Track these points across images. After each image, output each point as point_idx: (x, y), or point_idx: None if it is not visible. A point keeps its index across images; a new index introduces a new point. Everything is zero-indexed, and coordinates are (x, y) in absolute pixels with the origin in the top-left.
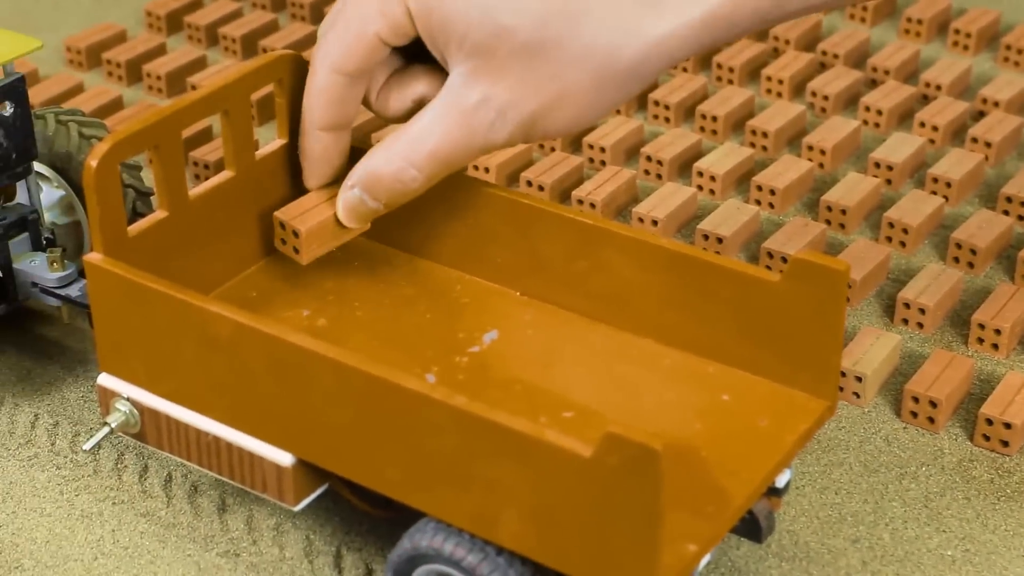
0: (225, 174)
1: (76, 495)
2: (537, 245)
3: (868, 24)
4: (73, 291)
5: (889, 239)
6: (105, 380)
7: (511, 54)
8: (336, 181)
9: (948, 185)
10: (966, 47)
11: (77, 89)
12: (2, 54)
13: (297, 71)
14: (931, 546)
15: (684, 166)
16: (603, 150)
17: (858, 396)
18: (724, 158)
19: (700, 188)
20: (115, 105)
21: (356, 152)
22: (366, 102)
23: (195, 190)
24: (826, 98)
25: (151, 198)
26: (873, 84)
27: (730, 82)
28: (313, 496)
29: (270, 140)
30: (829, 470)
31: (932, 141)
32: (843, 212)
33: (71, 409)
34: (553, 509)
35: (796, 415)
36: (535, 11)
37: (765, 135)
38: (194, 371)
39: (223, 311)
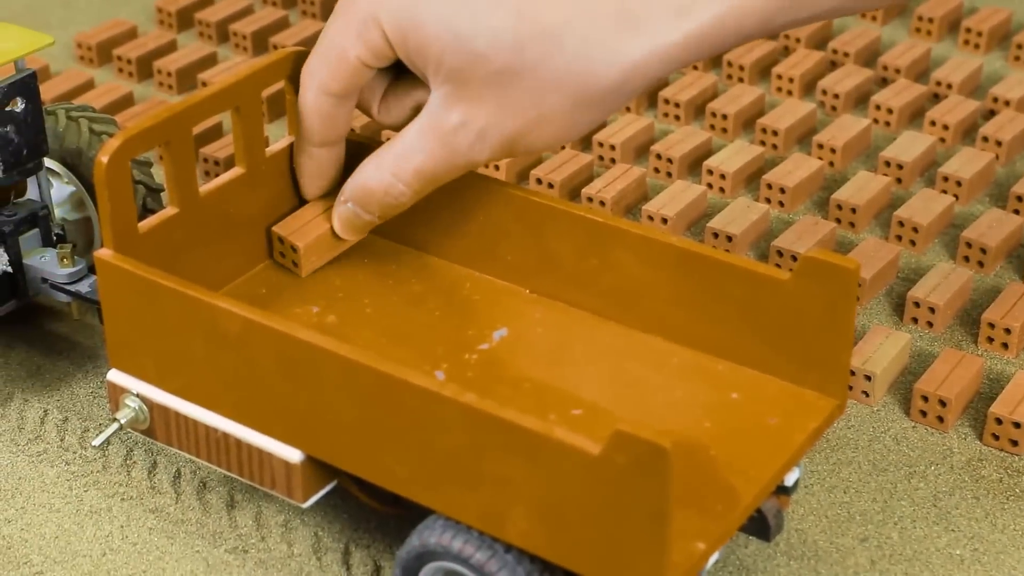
0: (235, 171)
1: (85, 491)
2: (547, 243)
3: (879, 23)
4: (83, 287)
5: (899, 238)
6: (114, 376)
7: (487, 80)
8: (332, 192)
9: (958, 184)
10: (977, 46)
11: (88, 85)
12: (13, 50)
13: None
14: (940, 545)
15: (694, 164)
16: (613, 148)
17: (867, 395)
18: (734, 156)
19: (710, 186)
20: (126, 101)
21: (362, 148)
22: (369, 115)
23: (205, 187)
24: (836, 96)
25: (161, 194)
26: (884, 83)
27: (740, 80)
28: (322, 493)
29: (280, 137)
30: (838, 469)
31: (942, 140)
32: (853, 211)
33: (80, 405)
34: (562, 507)
35: (805, 414)
36: (510, 37)
37: (775, 133)
38: (203, 367)
39: (233, 308)
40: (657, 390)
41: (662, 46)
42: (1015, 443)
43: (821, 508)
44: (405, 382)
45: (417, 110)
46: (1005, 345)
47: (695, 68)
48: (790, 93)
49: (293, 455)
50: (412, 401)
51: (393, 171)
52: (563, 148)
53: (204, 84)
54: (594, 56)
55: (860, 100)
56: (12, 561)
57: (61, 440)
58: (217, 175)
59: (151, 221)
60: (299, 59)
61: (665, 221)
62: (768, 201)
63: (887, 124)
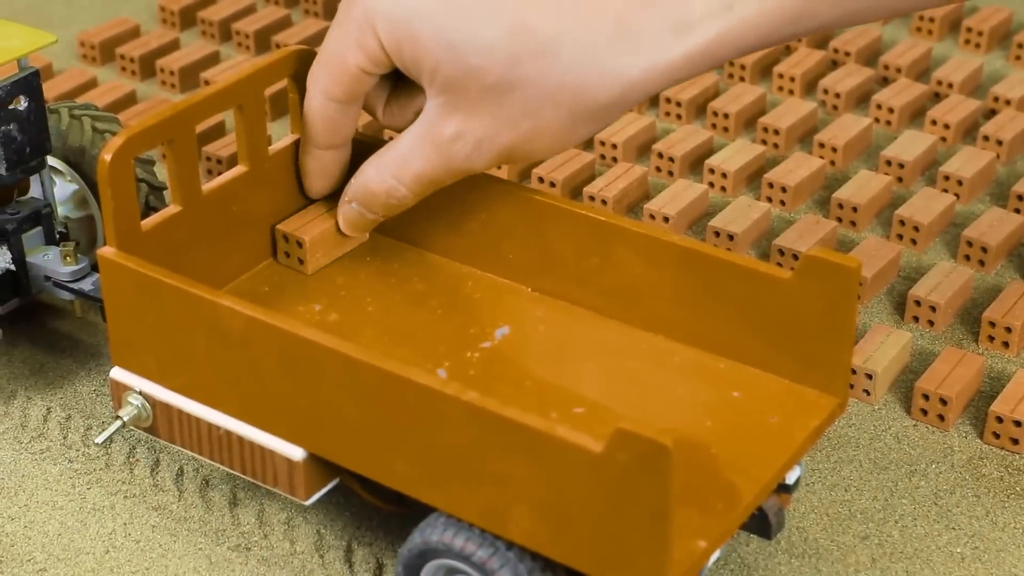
0: (238, 169)
1: (88, 488)
2: (549, 241)
3: (880, 22)
4: (86, 285)
5: (900, 237)
6: (117, 374)
7: (482, 92)
8: (337, 192)
9: (959, 183)
10: (978, 45)
11: (91, 84)
12: (16, 49)
13: (310, 67)
14: (940, 543)
15: (695, 163)
16: (615, 147)
17: (868, 393)
18: (735, 155)
19: (711, 185)
20: (128, 100)
21: (364, 147)
22: (375, 117)
23: (208, 185)
24: (838, 96)
25: (164, 193)
26: (885, 82)
27: (742, 79)
28: (324, 491)
29: (283, 135)
30: (839, 467)
31: (943, 139)
32: (854, 210)
33: (83, 403)
34: (564, 505)
35: (806, 412)
36: (505, 51)
37: (776, 132)
38: (206, 365)
39: (235, 306)
40: (659, 388)
41: (660, 64)
42: (1016, 441)
43: (822, 506)
44: (407, 380)
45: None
46: (1006, 344)
47: None
48: (791, 92)
49: (295, 453)
50: (414, 399)
51: (394, 174)
52: None
53: (207, 83)
54: (590, 72)
55: (861, 99)
56: (15, 558)
57: (64, 438)
58: (220, 173)
59: (154, 219)
60: (302, 57)
61: (667, 220)
62: (769, 200)
63: (888, 123)
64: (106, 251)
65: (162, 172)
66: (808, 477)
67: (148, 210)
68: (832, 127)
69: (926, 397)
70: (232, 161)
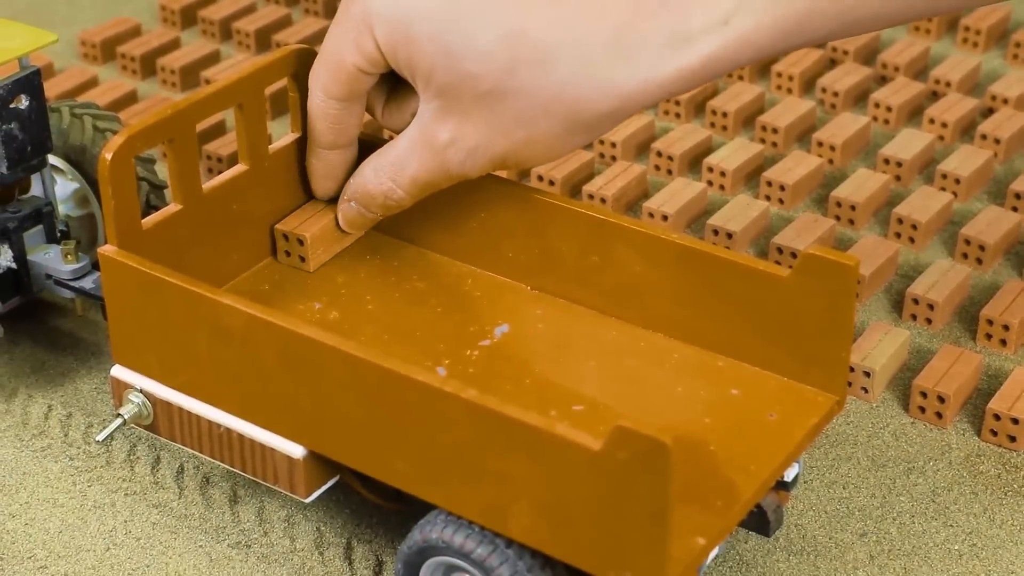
0: (239, 168)
1: (89, 486)
2: (548, 240)
3: None
4: (87, 283)
5: (898, 235)
6: (118, 372)
7: (476, 99)
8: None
9: (957, 181)
10: (976, 44)
11: (92, 83)
12: (18, 48)
13: (310, 66)
14: (938, 540)
15: (694, 161)
16: (614, 145)
17: (866, 391)
18: (734, 154)
19: (710, 183)
20: (129, 99)
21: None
22: (375, 117)
23: (209, 183)
24: (836, 94)
25: (165, 191)
26: (883, 81)
27: (740, 78)
28: (324, 488)
29: (283, 134)
30: (837, 465)
31: (941, 138)
32: (852, 208)
33: (84, 400)
34: (563, 502)
35: (805, 410)
36: (501, 59)
37: (775, 131)
38: (206, 363)
39: (236, 304)
40: (658, 386)
41: (656, 78)
42: (1013, 439)
43: (820, 504)
44: (407, 378)
45: None
46: (1003, 341)
47: None
48: (790, 91)
49: (296, 451)
50: (414, 397)
51: (391, 176)
52: None
53: (207, 82)
54: (585, 83)
55: (859, 98)
56: (16, 556)
57: (65, 435)
58: (220, 172)
59: (155, 218)
60: (302, 56)
61: (665, 218)
62: (768, 198)
63: (886, 122)
64: (107, 249)
65: (163, 171)
66: (806, 474)
67: (149, 209)
68: (830, 126)
69: (924, 395)
70: (232, 160)
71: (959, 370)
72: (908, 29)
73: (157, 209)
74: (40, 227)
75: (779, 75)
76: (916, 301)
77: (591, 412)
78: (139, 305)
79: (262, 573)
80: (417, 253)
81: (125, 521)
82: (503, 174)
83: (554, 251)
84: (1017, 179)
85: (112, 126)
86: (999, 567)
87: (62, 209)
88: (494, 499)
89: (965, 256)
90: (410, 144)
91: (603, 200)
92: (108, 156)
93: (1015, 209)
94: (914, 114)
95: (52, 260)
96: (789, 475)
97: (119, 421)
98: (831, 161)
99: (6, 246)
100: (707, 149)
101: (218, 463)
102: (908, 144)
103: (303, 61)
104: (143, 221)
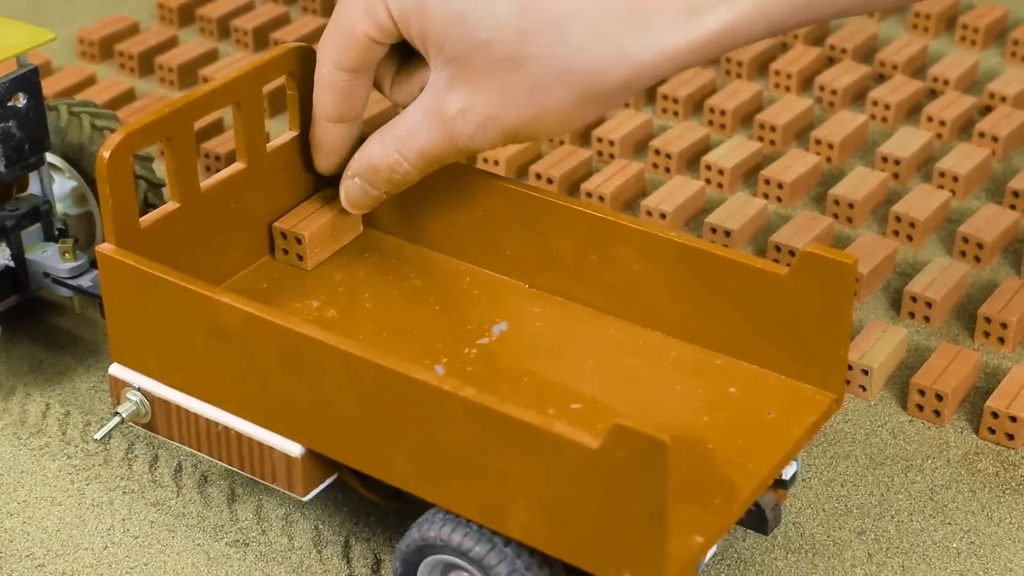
0: (236, 166)
1: (87, 484)
2: (546, 238)
3: (876, 19)
4: (85, 281)
5: (896, 233)
6: (116, 370)
7: (489, 67)
8: (330, 186)
9: (955, 179)
10: (974, 42)
11: (89, 81)
12: (16, 46)
13: (308, 63)
14: (936, 538)
15: (692, 160)
16: (612, 143)
17: (864, 389)
18: (732, 152)
19: (708, 182)
20: (127, 97)
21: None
22: (382, 92)
23: (206, 182)
24: (834, 92)
25: (163, 189)
26: (881, 79)
27: (738, 76)
28: (322, 486)
29: (281, 132)
30: (835, 463)
31: (939, 136)
32: (850, 206)
33: (82, 399)
34: (561, 501)
35: (803, 408)
36: (514, 27)
37: (773, 129)
38: (204, 361)
39: (233, 302)
40: (656, 384)
41: (670, 48)
42: (1011, 437)
43: (818, 501)
44: (405, 376)
45: None
46: (1001, 340)
47: None
48: (788, 89)
49: (294, 449)
50: (412, 395)
51: (398, 148)
52: (562, 143)
53: (205, 80)
54: (599, 53)
55: (857, 96)
56: (14, 554)
57: (63, 434)
58: (218, 170)
59: (152, 216)
60: (300, 54)
61: (664, 216)
62: (766, 196)
63: (884, 120)
64: (105, 248)
65: (160, 169)
66: (804, 473)
67: (147, 207)
68: (828, 124)
69: (922, 393)
70: (230, 158)
71: (957, 368)
72: (906, 27)
73: (155, 207)
74: (38, 225)
75: (777, 73)
76: (914, 299)
77: (589, 410)
78: (137, 303)
79: (260, 571)
80: (415, 251)
81: (123, 519)
82: (501, 170)
83: (552, 249)
84: (1015, 177)
85: (110, 124)
86: (997, 565)
87: (60, 207)
88: (492, 497)
89: (963, 254)
90: (419, 115)
91: (601, 198)
92: (106, 154)
93: (1013, 207)
94: (912, 112)
95: (50, 258)
96: (787, 473)
97: (117, 419)
98: (829, 159)
99: (4, 244)
100: (705, 147)
101: (216, 461)
102: (906, 142)
103: (301, 59)
104: (141, 219)
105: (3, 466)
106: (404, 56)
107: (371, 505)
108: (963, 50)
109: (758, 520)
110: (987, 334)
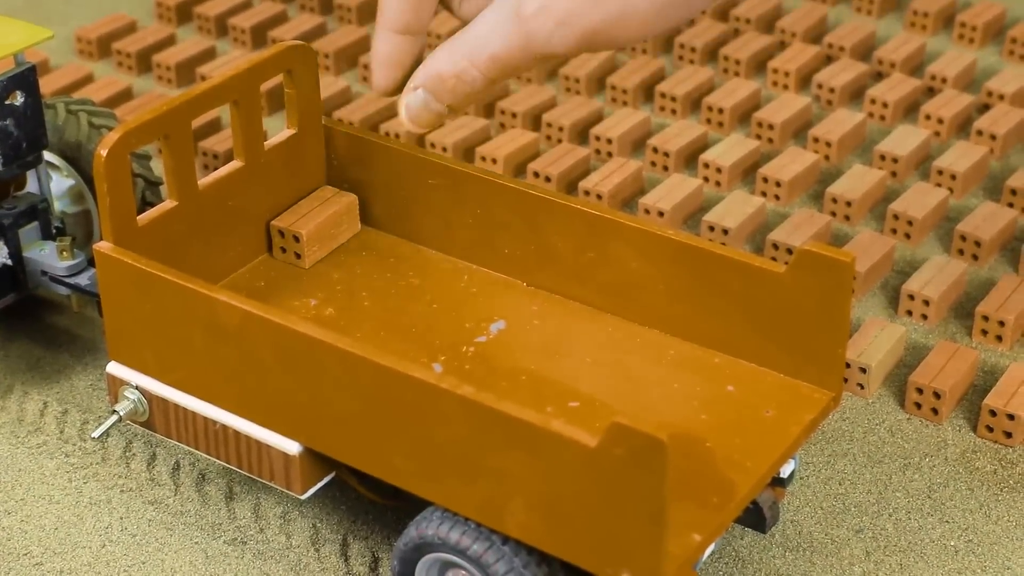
0: (234, 164)
1: (84, 483)
2: (544, 236)
3: (874, 17)
4: (82, 280)
5: (894, 231)
6: (114, 368)
7: None
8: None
9: (953, 177)
10: (972, 40)
11: (87, 79)
12: (13, 44)
13: (306, 61)
14: (934, 536)
15: (690, 158)
16: (610, 141)
17: (862, 387)
18: (730, 150)
19: (706, 180)
20: (125, 95)
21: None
22: (449, 9)
23: (204, 180)
24: (832, 90)
25: (160, 188)
26: (879, 77)
27: (736, 74)
28: (320, 485)
29: (279, 130)
30: (833, 461)
31: (937, 134)
32: (848, 204)
33: (80, 397)
34: (559, 499)
35: (801, 406)
36: None
37: (771, 127)
38: (202, 360)
39: (231, 300)
40: (654, 383)
41: None
42: (1009, 435)
43: (816, 500)
44: (403, 374)
45: None
46: (999, 338)
47: (691, 62)
48: (786, 87)
49: (292, 447)
50: (410, 393)
51: (467, 54)
52: (560, 141)
53: (203, 78)
54: None
55: (855, 94)
56: (12, 552)
57: (61, 432)
58: (216, 168)
59: (150, 214)
60: (298, 53)
61: (661, 214)
62: (764, 194)
63: (882, 118)
64: (102, 246)
65: (158, 167)
66: (802, 471)
67: (144, 205)
68: (826, 122)
69: (920, 391)
70: (228, 156)
71: (955, 366)
72: (904, 25)
73: (153, 205)
74: (35, 223)
75: (775, 71)
76: (912, 297)
77: (587, 408)
78: (135, 302)
79: (258, 570)
80: (413, 249)
81: (121, 518)
82: (499, 169)
83: (550, 247)
84: (1013, 175)
85: (108, 122)
86: (995, 563)
87: (58, 205)
88: (490, 496)
89: (961, 252)
90: (493, 16)
91: (599, 196)
92: (103, 152)
93: (1011, 205)
94: (910, 110)
95: (47, 257)
96: (785, 471)
97: (115, 418)
98: (827, 157)
99: (1, 243)
100: (703, 145)
101: (214, 460)
102: (904, 140)
103: (299, 57)
104: (139, 217)
105: (1, 464)
106: None
107: (369, 503)
108: (961, 48)
109: (756, 518)
110: (985, 332)
